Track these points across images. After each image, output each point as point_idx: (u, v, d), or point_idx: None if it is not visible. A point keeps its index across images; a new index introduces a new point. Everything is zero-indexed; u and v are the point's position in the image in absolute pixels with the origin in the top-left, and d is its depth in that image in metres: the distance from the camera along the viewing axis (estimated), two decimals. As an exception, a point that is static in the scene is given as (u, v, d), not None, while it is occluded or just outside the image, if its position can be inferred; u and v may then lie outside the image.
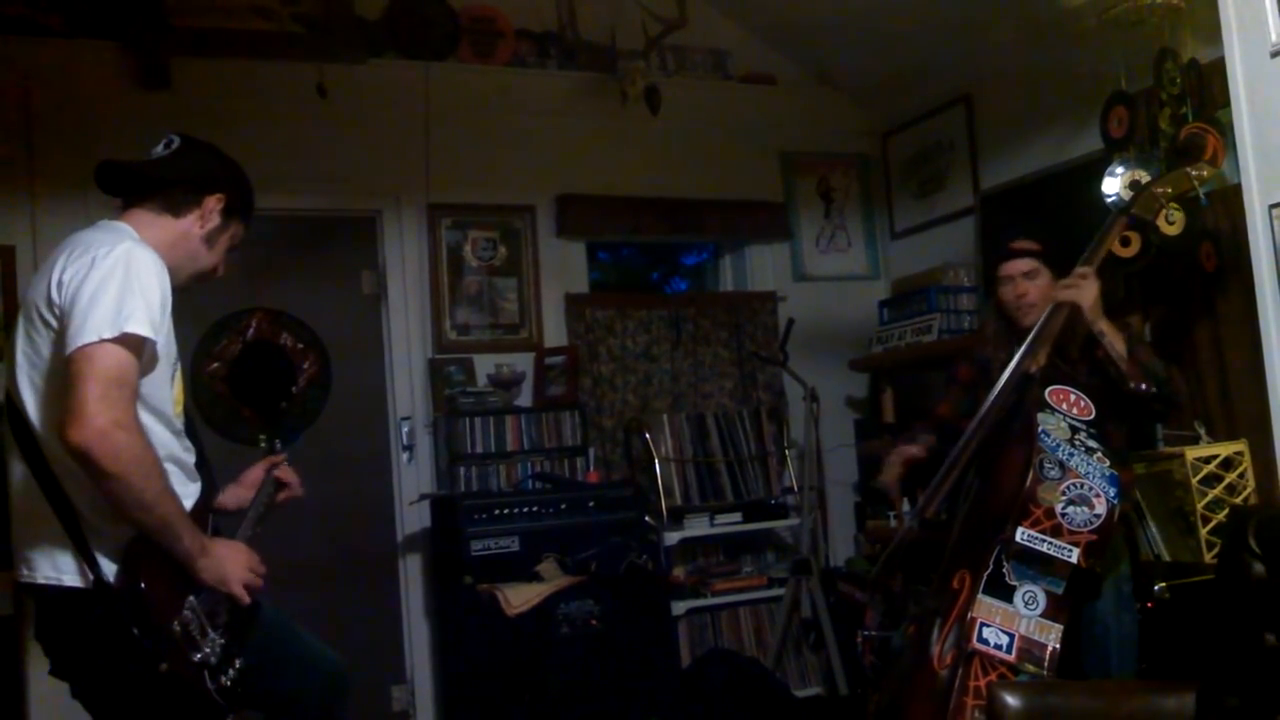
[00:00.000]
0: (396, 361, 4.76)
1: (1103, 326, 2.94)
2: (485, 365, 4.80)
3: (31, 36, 4.21)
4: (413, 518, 4.69)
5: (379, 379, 4.77)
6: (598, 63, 4.97)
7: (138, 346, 2.02)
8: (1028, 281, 3.12)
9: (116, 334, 1.98)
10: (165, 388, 2.18)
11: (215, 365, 4.50)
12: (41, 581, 2.10)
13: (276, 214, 4.55)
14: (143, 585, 2.04)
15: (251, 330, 4.58)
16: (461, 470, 4.56)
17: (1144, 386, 2.88)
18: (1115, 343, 2.93)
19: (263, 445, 2.73)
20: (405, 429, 4.72)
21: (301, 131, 4.54)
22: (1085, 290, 2.93)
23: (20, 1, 4.20)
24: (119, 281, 2.02)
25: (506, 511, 4.26)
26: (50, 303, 2.07)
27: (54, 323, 2.06)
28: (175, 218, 2.25)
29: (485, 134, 4.91)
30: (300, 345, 4.65)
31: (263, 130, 4.41)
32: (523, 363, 4.87)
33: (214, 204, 2.28)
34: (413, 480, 4.71)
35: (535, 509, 4.31)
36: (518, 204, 4.99)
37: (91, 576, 2.06)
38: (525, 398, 4.86)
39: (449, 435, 4.60)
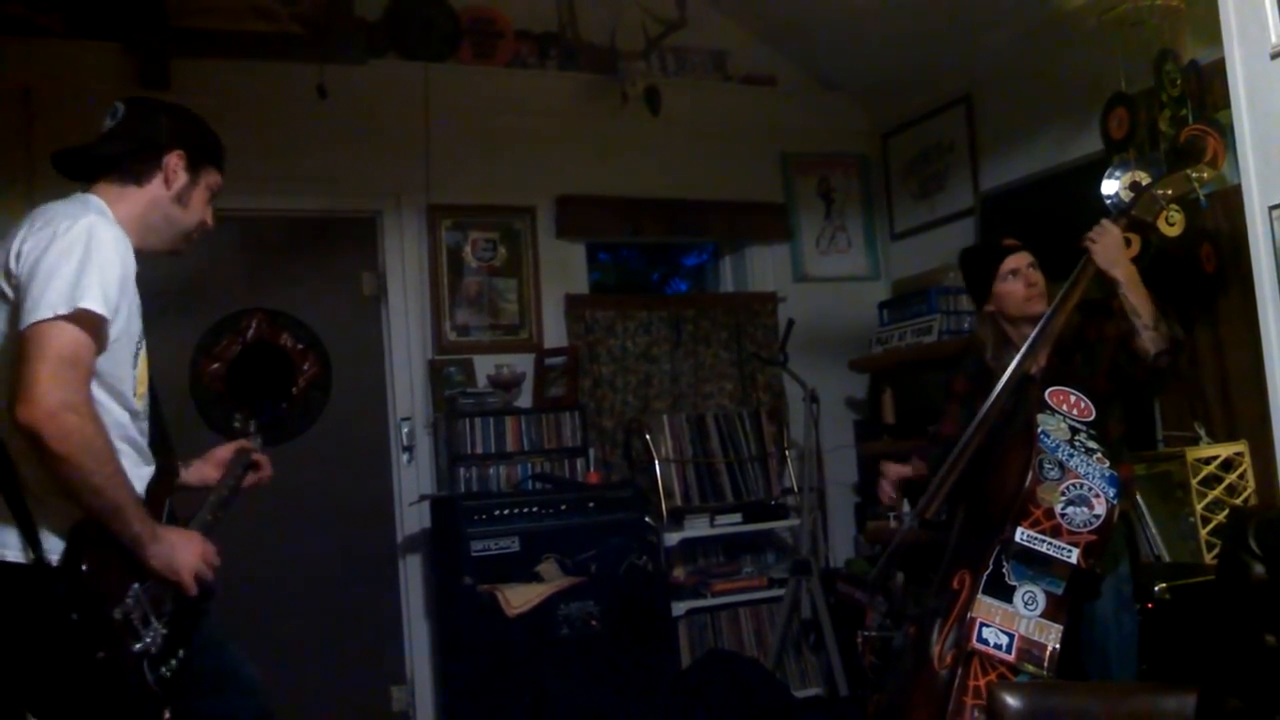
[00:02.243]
0: (396, 362, 4.76)
1: (1118, 274, 2.88)
2: (485, 366, 4.80)
3: (31, 37, 4.21)
4: (413, 518, 4.69)
5: (379, 380, 4.77)
6: (598, 64, 4.98)
7: (93, 324, 1.97)
8: (1035, 271, 3.13)
9: (71, 310, 1.92)
10: (125, 366, 2.12)
11: (215, 366, 4.51)
12: None
13: (276, 214, 4.58)
14: (85, 568, 1.97)
15: (251, 331, 4.58)
16: (461, 471, 4.56)
17: (1167, 333, 2.84)
18: (1131, 293, 2.87)
19: (237, 426, 2.68)
20: (405, 430, 4.72)
21: (301, 132, 4.54)
22: (1106, 235, 2.91)
23: (20, 2, 4.20)
24: (78, 257, 1.96)
25: (506, 512, 4.25)
26: (8, 274, 2.00)
27: (10, 295, 2.01)
28: (140, 186, 2.20)
29: (485, 135, 4.91)
30: (300, 346, 4.65)
31: (263, 131, 4.42)
32: (523, 363, 4.87)
33: (175, 162, 2.23)
34: (413, 481, 4.71)
35: (535, 510, 4.31)
36: (518, 205, 4.99)
37: (33, 554, 1.98)
38: (525, 399, 4.86)
39: (449, 436, 4.60)
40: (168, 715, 2.07)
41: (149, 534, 2.05)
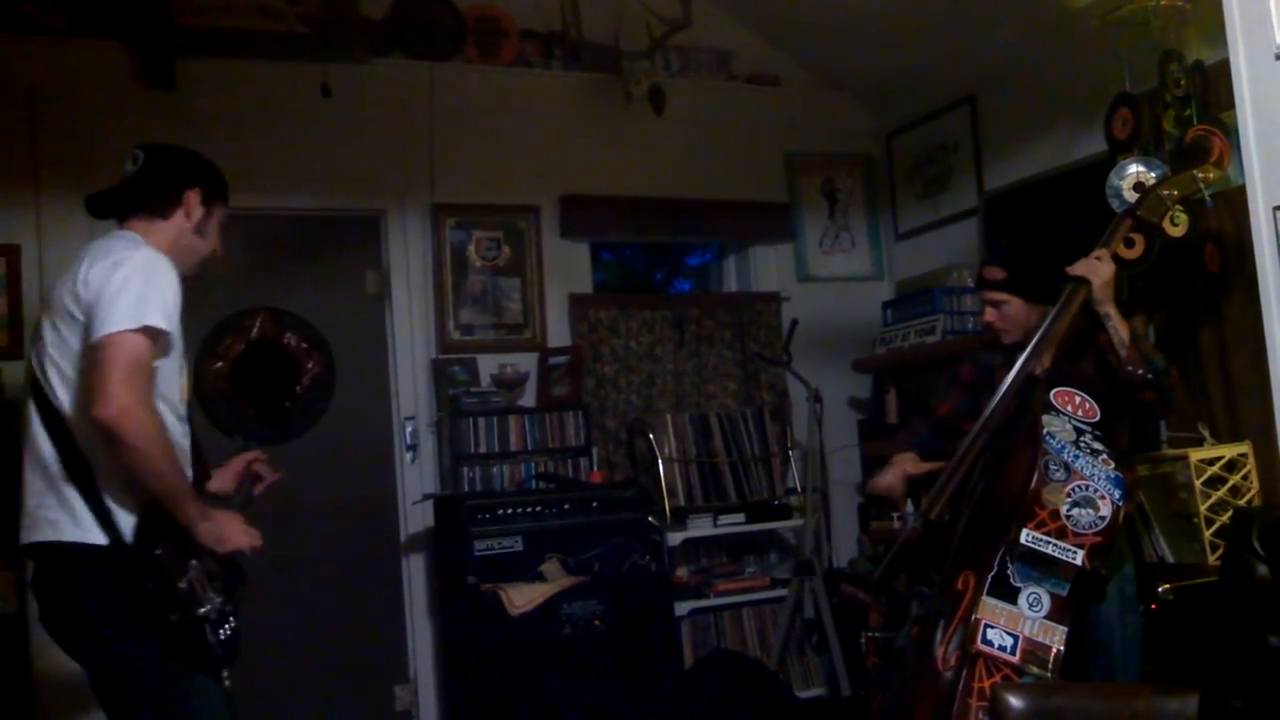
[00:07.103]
0: (400, 361, 4.76)
1: (1110, 310, 2.95)
2: (489, 365, 4.80)
3: (36, 36, 4.21)
4: (416, 517, 4.69)
5: (383, 379, 4.77)
6: (602, 63, 4.97)
7: (155, 337, 2.29)
8: (994, 310, 3.18)
9: (138, 325, 2.23)
10: (174, 377, 2.44)
11: (219, 364, 4.51)
12: (69, 539, 2.31)
13: (280, 213, 4.58)
14: (157, 551, 2.30)
15: (255, 330, 4.58)
16: (465, 470, 4.56)
17: (1140, 371, 2.88)
18: (1119, 328, 2.94)
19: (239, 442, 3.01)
20: (409, 429, 4.73)
21: (306, 131, 4.54)
22: (1099, 269, 2.95)
23: (25, 1, 4.20)
24: (140, 281, 2.28)
25: (510, 511, 4.26)
26: (77, 299, 2.30)
27: (80, 317, 2.30)
28: (165, 220, 2.51)
29: (489, 134, 4.91)
30: (304, 345, 4.65)
31: (267, 130, 4.43)
32: (526, 363, 4.87)
33: (194, 198, 2.54)
34: (416, 480, 4.71)
35: (538, 509, 4.31)
36: (522, 204, 4.99)
37: (108, 538, 2.29)
38: (529, 398, 4.86)
39: (452, 435, 4.60)
40: (226, 675, 2.45)
41: (200, 515, 2.37)
